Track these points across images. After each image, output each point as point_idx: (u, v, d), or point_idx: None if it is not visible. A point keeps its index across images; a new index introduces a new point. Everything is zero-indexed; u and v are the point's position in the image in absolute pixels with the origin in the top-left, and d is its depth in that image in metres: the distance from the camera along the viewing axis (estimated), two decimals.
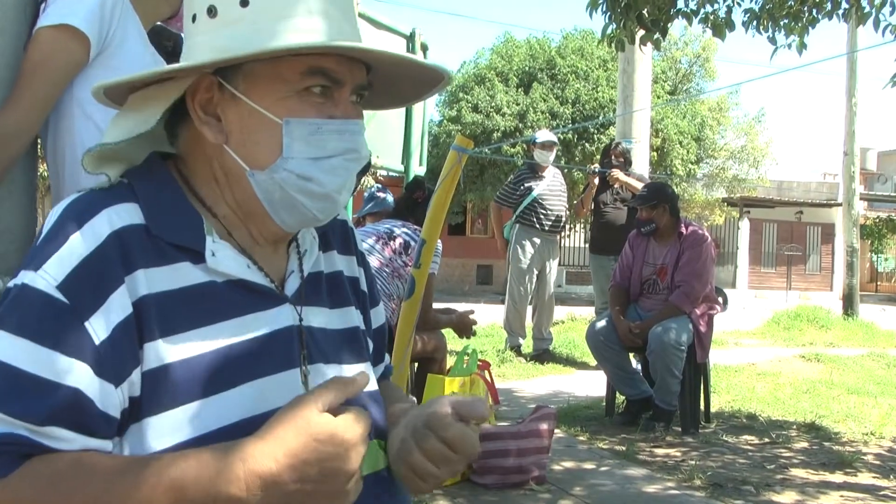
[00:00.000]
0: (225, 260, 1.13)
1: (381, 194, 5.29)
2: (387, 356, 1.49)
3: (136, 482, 0.96)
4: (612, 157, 7.99)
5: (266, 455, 0.96)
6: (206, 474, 0.95)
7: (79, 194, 1.11)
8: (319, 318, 1.24)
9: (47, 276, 1.00)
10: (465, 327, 4.61)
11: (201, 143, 1.16)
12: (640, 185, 7.14)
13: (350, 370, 1.25)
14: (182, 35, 2.79)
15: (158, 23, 2.34)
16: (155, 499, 0.95)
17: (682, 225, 5.64)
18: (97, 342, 1.00)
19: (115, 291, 1.02)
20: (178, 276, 1.09)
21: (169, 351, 1.05)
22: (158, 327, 1.05)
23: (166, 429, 1.03)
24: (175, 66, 1.10)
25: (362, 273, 1.40)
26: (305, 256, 1.26)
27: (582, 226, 22.18)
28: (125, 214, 1.08)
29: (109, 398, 1.01)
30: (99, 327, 1.00)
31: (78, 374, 0.98)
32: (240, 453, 0.96)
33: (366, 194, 5.36)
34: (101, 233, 1.04)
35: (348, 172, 1.16)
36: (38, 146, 2.16)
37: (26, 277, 1.02)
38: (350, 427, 0.99)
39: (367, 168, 5.30)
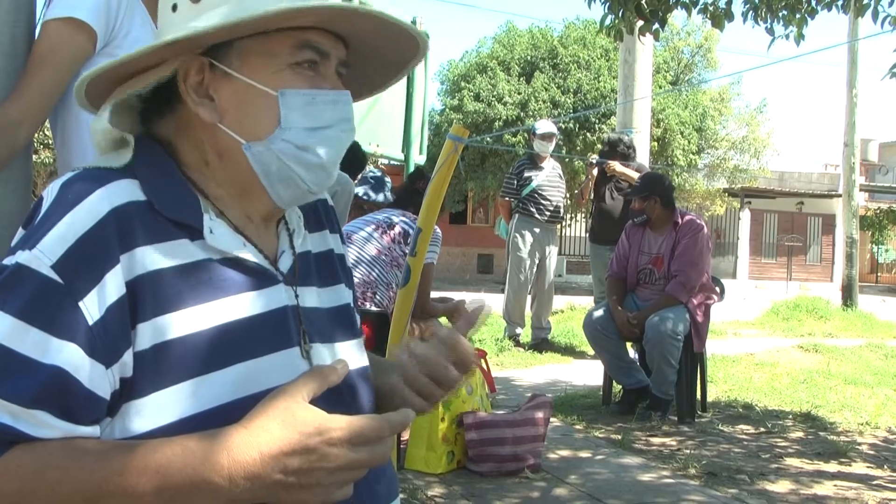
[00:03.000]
0: (222, 237, 1.13)
1: (373, 193, 5.23)
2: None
3: (121, 468, 0.95)
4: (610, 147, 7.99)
5: (250, 446, 0.96)
6: (190, 462, 0.95)
7: (76, 172, 1.10)
8: (311, 297, 1.25)
9: (42, 256, 0.99)
10: (458, 316, 4.64)
11: (190, 128, 1.17)
12: (637, 176, 7.16)
13: (344, 348, 1.27)
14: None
15: None
16: (140, 484, 0.95)
17: (678, 215, 5.65)
18: (90, 322, 0.99)
19: (110, 271, 1.02)
20: (177, 252, 1.09)
21: (163, 330, 1.04)
22: (153, 306, 1.04)
23: (160, 407, 1.03)
24: (166, 39, 1.10)
25: (346, 251, 1.42)
26: (294, 235, 1.27)
27: (583, 215, 22.17)
28: (125, 191, 1.07)
29: (99, 379, 1.00)
30: (93, 307, 1.00)
31: (69, 355, 0.97)
32: (224, 442, 0.96)
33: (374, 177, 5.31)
34: (99, 210, 1.03)
35: (342, 144, 1.19)
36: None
37: (21, 256, 1.00)
38: (336, 422, 0.98)
39: (363, 164, 5.27)
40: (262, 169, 1.15)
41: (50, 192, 1.08)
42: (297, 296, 1.21)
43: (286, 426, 0.96)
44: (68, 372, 0.98)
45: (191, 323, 1.07)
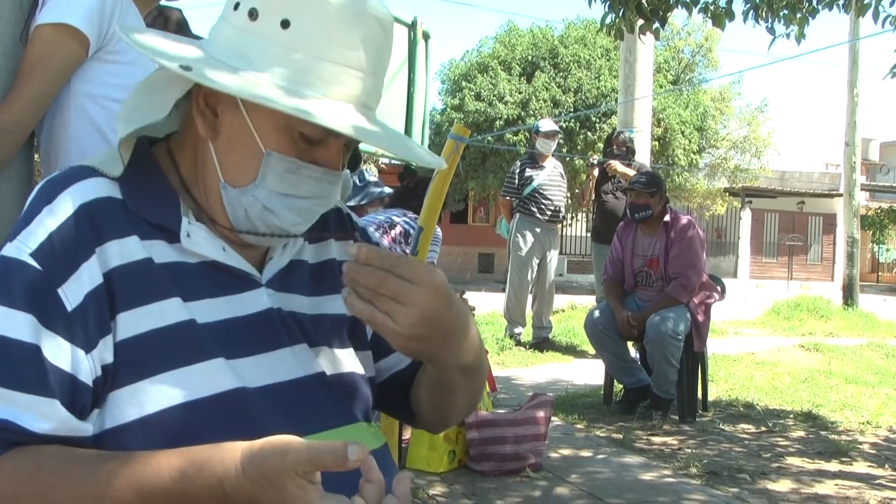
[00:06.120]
0: (199, 241, 1.14)
1: (376, 188, 5.19)
2: None
3: (114, 481, 0.97)
4: (615, 147, 7.99)
5: (243, 488, 0.94)
6: (188, 490, 0.96)
7: (56, 173, 1.14)
8: (299, 304, 1.23)
9: (21, 246, 1.05)
10: None
11: (191, 129, 1.18)
12: None
13: (339, 354, 1.24)
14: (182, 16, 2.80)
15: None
16: (129, 500, 0.97)
17: (667, 212, 5.65)
18: (69, 309, 1.03)
19: (85, 262, 1.06)
20: (155, 250, 1.11)
21: (143, 321, 1.07)
22: (133, 297, 1.07)
23: (142, 398, 1.05)
24: (190, 76, 1.07)
25: None
26: (291, 243, 1.26)
27: (584, 215, 22.17)
28: (97, 188, 1.11)
29: (80, 364, 1.03)
30: (71, 295, 1.04)
31: (51, 340, 1.01)
32: (219, 481, 0.95)
33: (358, 182, 5.25)
34: (72, 205, 1.08)
35: (311, 215, 1.19)
36: (34, 136, 2.18)
37: (5, 250, 1.06)
38: None
39: (357, 163, 5.21)
40: (230, 210, 1.16)
41: (32, 193, 1.13)
42: (279, 301, 1.21)
43: (277, 492, 0.94)
44: (50, 356, 1.01)
45: (169, 315, 1.09)
